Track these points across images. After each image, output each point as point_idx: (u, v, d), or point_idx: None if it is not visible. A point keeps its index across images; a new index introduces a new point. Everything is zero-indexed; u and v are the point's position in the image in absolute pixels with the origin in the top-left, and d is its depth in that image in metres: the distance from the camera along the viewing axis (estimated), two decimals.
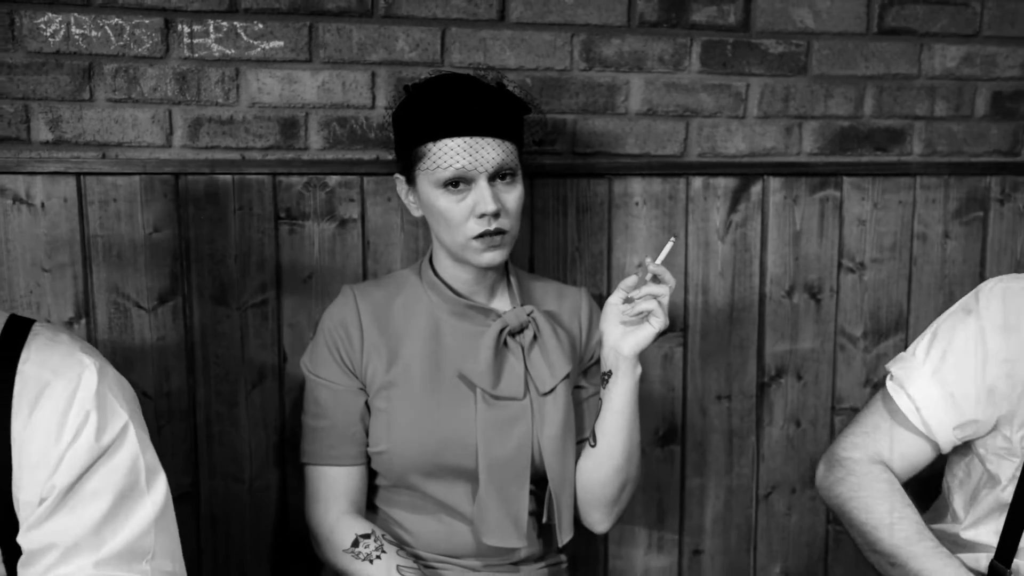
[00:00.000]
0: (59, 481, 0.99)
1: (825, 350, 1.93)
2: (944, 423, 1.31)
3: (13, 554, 1.02)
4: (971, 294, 1.39)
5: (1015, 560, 1.28)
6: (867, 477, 1.32)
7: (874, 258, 1.93)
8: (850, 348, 1.93)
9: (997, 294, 1.34)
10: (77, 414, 1.01)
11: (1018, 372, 1.27)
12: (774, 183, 1.86)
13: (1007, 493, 1.29)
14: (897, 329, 1.93)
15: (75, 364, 1.05)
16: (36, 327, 1.08)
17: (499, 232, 1.34)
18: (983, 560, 1.32)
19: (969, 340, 1.32)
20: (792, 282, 1.90)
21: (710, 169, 1.83)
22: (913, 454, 1.35)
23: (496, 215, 1.33)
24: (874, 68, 1.88)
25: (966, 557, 1.34)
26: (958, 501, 1.40)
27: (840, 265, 1.92)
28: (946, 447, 1.33)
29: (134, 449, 1.04)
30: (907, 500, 1.29)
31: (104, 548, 1.00)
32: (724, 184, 1.84)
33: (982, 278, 1.93)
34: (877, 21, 1.87)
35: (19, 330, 1.06)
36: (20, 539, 1.00)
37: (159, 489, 1.05)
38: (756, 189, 1.85)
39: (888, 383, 1.39)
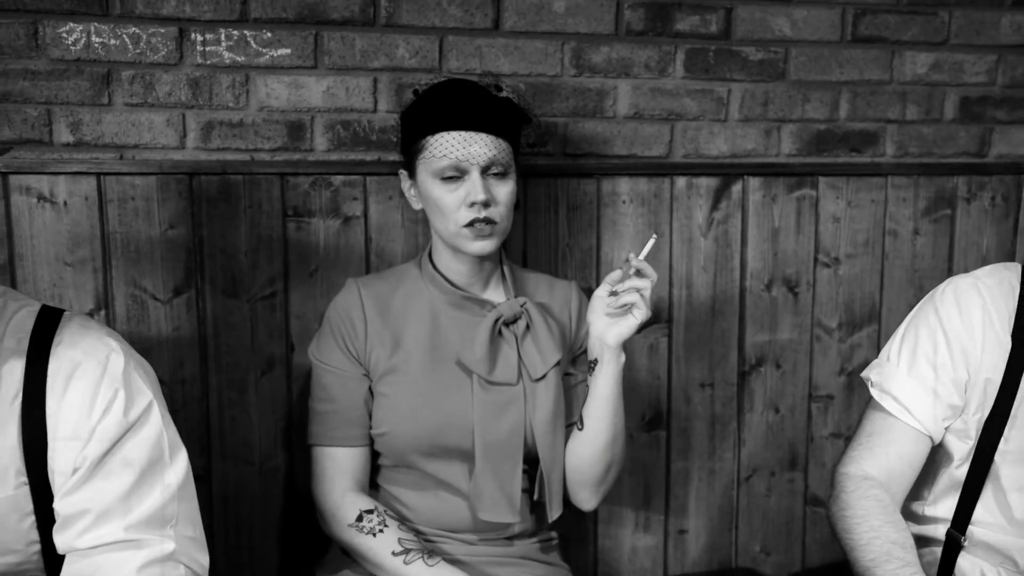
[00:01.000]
0: (91, 452, 1.07)
1: (802, 340, 1.98)
2: (932, 416, 1.35)
3: (48, 521, 1.09)
4: (929, 295, 1.45)
5: (969, 527, 1.36)
6: (854, 495, 1.33)
7: (848, 253, 1.99)
8: (826, 339, 1.99)
9: (950, 292, 1.40)
10: (106, 391, 1.09)
11: (972, 362, 1.34)
12: (754, 183, 1.92)
13: (961, 471, 1.36)
14: (870, 321, 1.99)
15: (103, 347, 1.12)
16: (66, 315, 1.15)
17: (489, 222, 1.41)
18: (941, 530, 1.39)
19: (933, 336, 1.38)
20: (771, 276, 1.95)
21: (693, 169, 1.89)
22: (911, 452, 1.37)
23: (486, 205, 1.40)
24: (848, 74, 1.93)
25: (927, 528, 1.42)
26: (920, 480, 1.47)
27: (816, 260, 1.97)
28: (938, 437, 1.36)
29: (158, 425, 1.12)
30: (888, 518, 1.29)
31: (132, 514, 1.08)
32: (706, 184, 1.90)
33: (950, 273, 2.00)
34: (851, 30, 1.92)
35: (51, 318, 1.14)
36: (56, 505, 1.08)
37: (180, 462, 1.13)
38: (737, 188, 1.91)
39: (872, 391, 1.42)
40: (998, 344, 1.34)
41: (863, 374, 1.46)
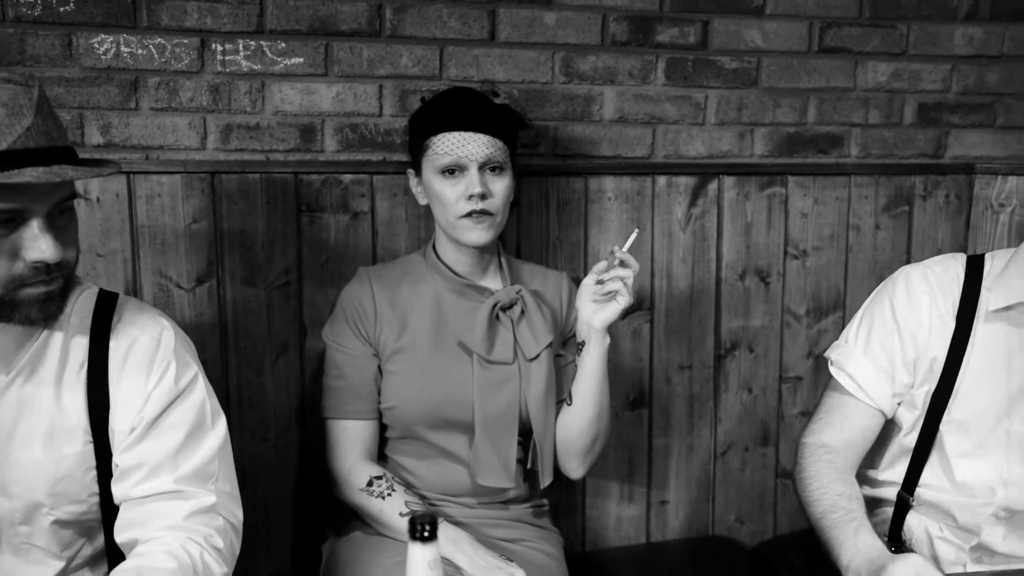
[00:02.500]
0: (146, 414, 1.19)
1: (773, 326, 2.09)
2: (884, 393, 1.45)
3: (107, 476, 1.21)
4: (883, 283, 1.54)
5: (916, 489, 1.47)
6: (810, 459, 1.42)
7: (815, 246, 2.09)
8: (795, 325, 2.09)
9: (902, 281, 1.49)
10: (160, 363, 1.21)
11: (920, 342, 1.44)
12: (728, 181, 2.02)
13: (909, 439, 1.47)
14: (835, 308, 2.10)
15: (157, 326, 1.25)
16: (122, 298, 1.28)
17: (485, 213, 1.52)
18: (892, 492, 1.51)
19: (887, 321, 1.47)
20: (744, 267, 2.06)
21: (673, 169, 1.99)
22: (864, 425, 1.46)
23: (483, 197, 1.52)
24: (816, 82, 2.04)
25: (880, 491, 1.54)
26: (874, 448, 1.57)
27: (786, 253, 2.07)
28: (890, 412, 1.46)
29: (202, 393, 1.25)
30: (838, 476, 1.37)
31: (180, 469, 1.20)
32: (685, 182, 2.00)
33: (908, 263, 2.11)
34: (818, 41, 2.02)
35: (109, 300, 1.26)
36: (116, 459, 1.20)
37: (220, 427, 1.26)
38: (713, 186, 2.01)
39: (831, 368, 1.50)
40: (943, 326, 1.44)
41: (825, 353, 1.55)
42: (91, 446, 1.20)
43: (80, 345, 1.21)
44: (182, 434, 1.21)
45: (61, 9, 1.65)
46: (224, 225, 1.78)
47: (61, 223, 1.13)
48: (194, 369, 1.26)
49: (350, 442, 1.58)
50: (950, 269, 1.48)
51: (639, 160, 1.98)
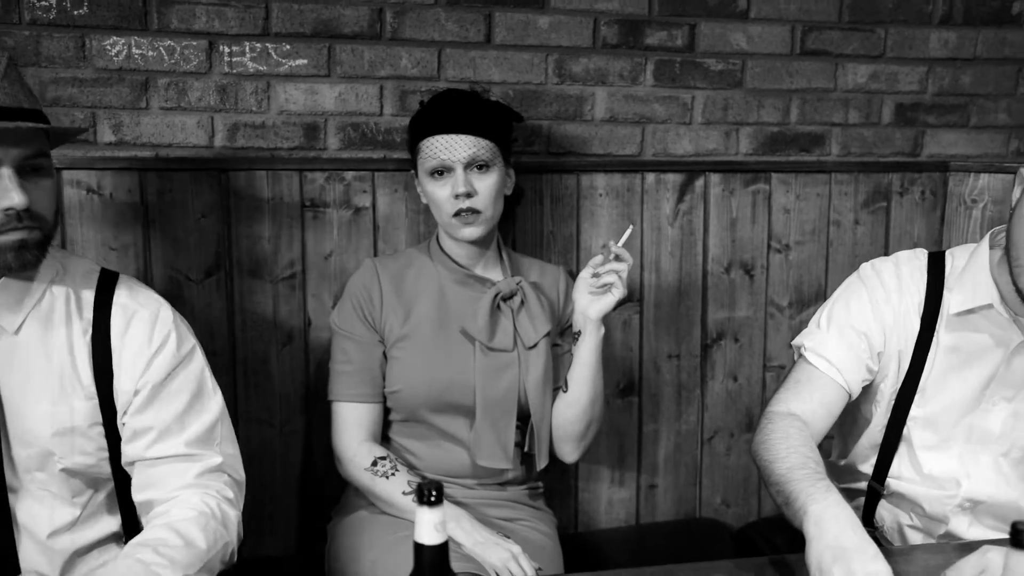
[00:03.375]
0: (151, 378, 1.29)
1: (757, 317, 2.14)
2: (854, 375, 1.46)
3: (113, 434, 1.30)
4: (854, 274, 1.55)
5: (887, 480, 1.51)
6: (780, 423, 1.39)
7: (797, 241, 2.14)
8: (778, 316, 2.15)
9: (873, 273, 1.51)
10: (160, 331, 1.31)
11: (887, 333, 1.47)
12: (714, 178, 2.07)
13: (879, 434, 1.51)
14: (816, 300, 2.15)
15: (154, 300, 1.35)
16: (121, 276, 1.37)
17: (472, 211, 1.59)
18: (864, 483, 1.55)
19: (855, 309, 1.49)
20: (730, 260, 2.11)
21: (661, 166, 2.04)
22: (831, 401, 1.45)
23: (468, 196, 1.58)
24: (798, 83, 2.09)
25: (855, 484, 1.58)
26: (840, 439, 1.63)
27: (769, 246, 2.13)
28: (855, 394, 1.47)
29: (201, 362, 1.36)
30: (806, 442, 1.34)
31: (186, 432, 1.30)
32: (673, 179, 2.05)
33: (886, 255, 2.18)
34: (800, 44, 2.07)
35: (110, 277, 1.35)
36: (128, 421, 1.29)
37: (219, 394, 1.37)
38: (699, 183, 2.07)
39: (805, 353, 1.49)
40: (908, 323, 1.47)
41: (794, 342, 1.54)
42: (95, 402, 1.28)
43: (84, 313, 1.30)
44: (186, 399, 1.32)
45: (75, 12, 1.71)
46: (232, 220, 1.83)
47: (33, 180, 1.20)
48: (192, 340, 1.36)
49: (356, 424, 1.63)
50: (915, 268, 1.50)
51: (629, 158, 2.04)
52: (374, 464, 1.59)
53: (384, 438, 1.70)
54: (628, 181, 2.03)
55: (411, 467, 1.64)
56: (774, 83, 2.09)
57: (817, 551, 1.10)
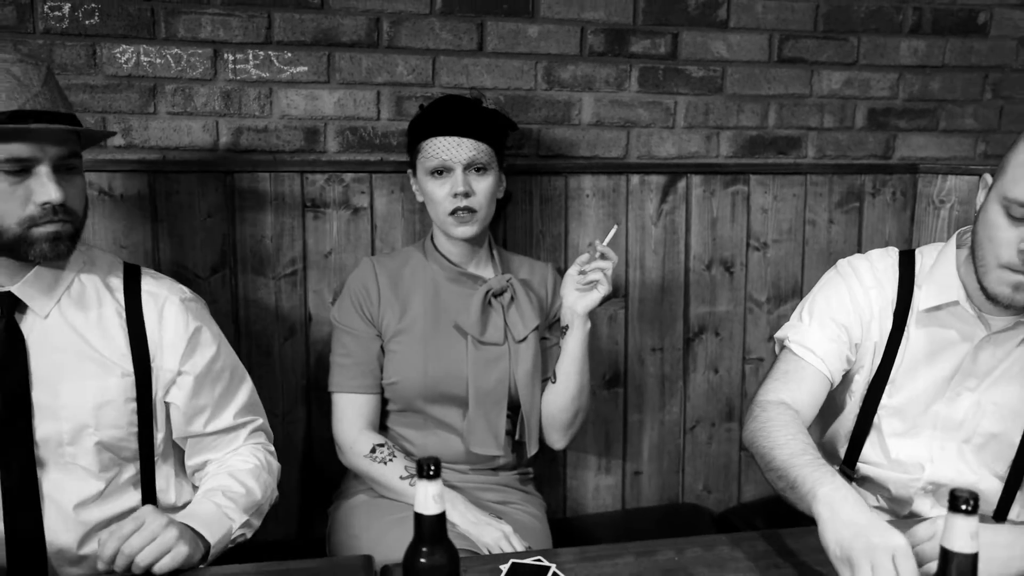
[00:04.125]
0: (199, 362, 1.43)
1: (737, 312, 2.20)
2: (836, 364, 1.50)
3: (146, 411, 1.40)
4: (832, 269, 1.59)
5: (857, 464, 1.58)
6: (774, 411, 1.42)
7: (774, 239, 2.20)
8: (756, 311, 2.22)
9: (851, 269, 1.55)
10: (196, 317, 1.47)
11: (864, 326, 1.52)
12: (696, 179, 2.13)
13: (851, 422, 1.57)
14: (793, 295, 2.22)
15: (179, 290, 1.48)
16: (143, 268, 1.48)
17: (469, 210, 1.66)
18: (835, 468, 1.53)
19: (836, 302, 1.53)
20: (711, 258, 2.17)
21: (645, 169, 2.10)
22: (816, 390, 1.49)
23: (467, 195, 1.65)
24: (775, 89, 2.15)
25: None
26: (815, 426, 1.65)
27: (748, 245, 2.19)
28: (836, 382, 1.52)
29: (227, 342, 1.50)
30: (801, 429, 1.37)
31: (233, 404, 1.48)
32: (656, 180, 2.11)
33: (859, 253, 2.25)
34: (777, 52, 2.13)
35: (134, 269, 1.46)
36: (173, 400, 1.43)
37: (247, 371, 1.52)
38: (682, 184, 2.13)
39: (790, 345, 1.53)
40: (884, 317, 1.52)
41: (777, 335, 1.59)
42: (132, 380, 1.38)
43: (114, 294, 1.41)
44: (228, 376, 1.48)
45: (86, 22, 1.77)
46: (236, 219, 1.89)
47: (67, 178, 1.31)
48: (215, 325, 1.50)
49: (355, 413, 1.71)
50: (888, 266, 1.55)
51: (615, 160, 2.10)
52: (373, 451, 1.67)
53: (382, 427, 1.77)
54: (614, 182, 2.09)
55: (408, 454, 1.71)
56: (753, 89, 2.15)
57: (834, 529, 1.13)
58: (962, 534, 0.92)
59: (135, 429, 1.40)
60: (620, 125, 2.09)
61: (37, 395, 1.32)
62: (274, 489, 1.50)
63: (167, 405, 1.43)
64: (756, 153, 2.19)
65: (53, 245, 1.29)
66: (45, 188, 1.26)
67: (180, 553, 1.18)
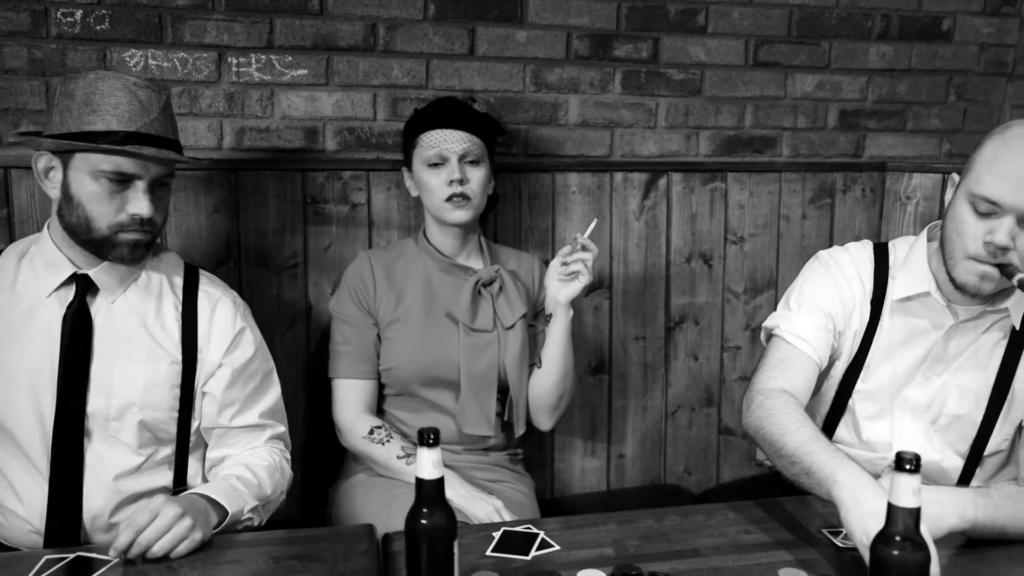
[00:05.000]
0: (238, 358, 1.52)
1: (715, 303, 2.28)
2: (824, 351, 1.54)
3: (187, 398, 1.50)
4: (814, 260, 1.63)
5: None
6: (778, 400, 1.44)
7: (751, 233, 2.27)
8: (734, 301, 2.29)
9: (832, 259, 1.60)
10: (243, 318, 1.56)
11: (846, 314, 1.56)
12: (676, 177, 2.21)
13: (827, 404, 1.61)
14: (768, 286, 2.29)
15: (231, 293, 1.58)
16: (201, 271, 1.59)
17: (464, 196, 1.74)
18: None
19: (828, 291, 1.57)
20: (690, 251, 2.25)
21: (629, 166, 2.17)
22: (810, 376, 1.53)
23: (462, 182, 1.74)
24: (751, 91, 2.23)
25: None
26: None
27: (726, 239, 2.26)
28: (823, 367, 1.55)
29: (265, 346, 1.58)
30: (807, 417, 1.41)
31: (260, 404, 1.56)
32: (639, 178, 2.18)
33: (831, 248, 2.32)
34: (753, 56, 2.21)
35: (194, 270, 1.57)
36: (210, 391, 1.52)
37: (278, 382, 1.60)
38: (663, 182, 2.20)
39: (781, 334, 1.55)
40: (863, 308, 1.57)
41: (766, 324, 1.61)
42: (179, 367, 1.48)
43: (174, 289, 1.52)
44: (260, 378, 1.57)
45: (97, 28, 1.85)
46: (240, 215, 1.97)
47: (158, 193, 1.45)
48: (258, 330, 1.59)
49: (354, 398, 1.79)
50: (865, 258, 1.60)
51: (599, 159, 2.17)
52: (371, 432, 1.75)
53: (379, 411, 1.84)
54: (598, 180, 2.17)
55: (404, 435, 1.79)
56: (730, 91, 2.22)
57: (859, 517, 1.18)
58: (907, 491, 1.02)
59: (175, 414, 1.49)
60: (604, 125, 2.16)
61: (94, 371, 1.42)
62: (284, 491, 1.56)
63: (204, 395, 1.52)
64: (733, 152, 2.26)
65: (132, 251, 1.42)
66: (139, 202, 1.40)
67: (195, 539, 1.26)
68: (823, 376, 1.64)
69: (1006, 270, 1.38)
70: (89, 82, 1.40)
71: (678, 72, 2.19)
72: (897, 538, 1.03)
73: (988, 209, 1.38)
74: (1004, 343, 1.52)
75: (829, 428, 1.65)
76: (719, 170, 2.25)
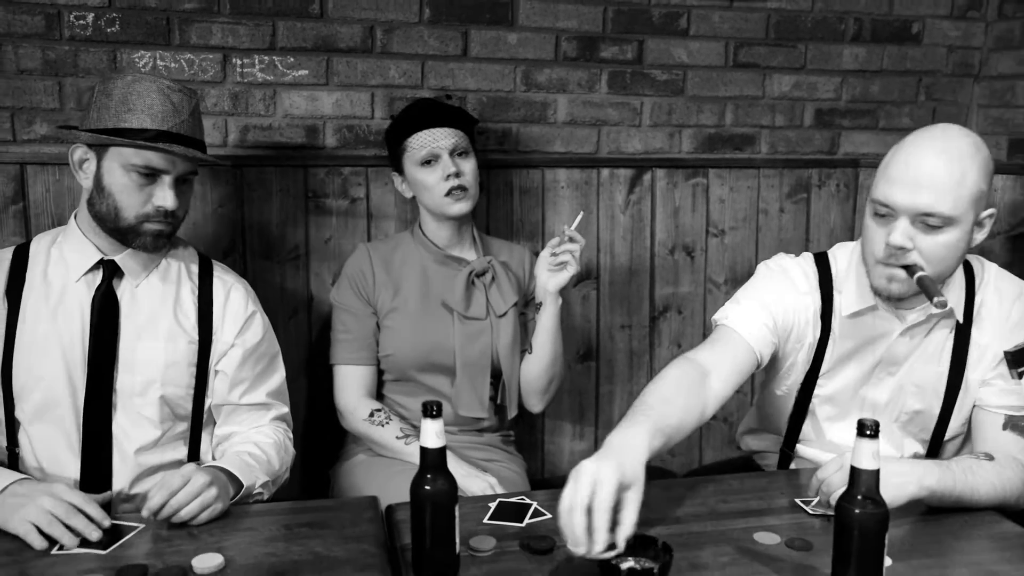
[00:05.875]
0: (249, 339, 1.61)
1: (698, 293, 2.36)
2: (765, 346, 1.55)
3: (202, 375, 1.58)
4: (765, 268, 1.64)
5: (796, 445, 1.70)
6: (670, 370, 1.46)
7: (731, 227, 2.35)
8: (715, 291, 2.37)
9: (780, 265, 1.62)
10: (253, 304, 1.64)
11: (791, 319, 1.58)
12: (660, 173, 2.28)
13: (788, 408, 1.65)
14: (748, 277, 2.19)
15: (243, 281, 1.67)
16: (213, 261, 1.67)
17: (462, 188, 1.82)
18: (777, 447, 1.73)
19: (769, 290, 1.60)
20: (674, 244, 2.32)
21: (615, 163, 2.24)
22: (742, 361, 1.52)
23: (458, 175, 1.81)
24: (731, 91, 2.30)
25: (770, 447, 1.77)
26: (760, 413, 1.82)
27: (707, 232, 2.34)
28: (762, 359, 1.55)
29: (274, 336, 1.67)
30: (676, 384, 1.41)
31: (267, 384, 1.64)
32: (624, 173, 2.26)
33: (808, 240, 2.39)
34: (733, 58, 2.28)
35: (207, 259, 1.66)
36: (223, 369, 1.60)
37: (283, 365, 1.68)
38: (647, 177, 2.28)
39: (724, 321, 1.57)
40: (815, 322, 1.58)
41: (715, 317, 1.62)
42: (195, 347, 1.57)
43: (191, 276, 1.61)
44: (267, 360, 1.65)
45: (108, 30, 1.91)
46: (245, 209, 2.04)
47: (182, 189, 1.54)
48: (267, 316, 1.68)
49: (355, 383, 1.86)
50: (812, 273, 1.62)
51: (587, 155, 2.24)
52: (371, 415, 1.83)
53: (378, 395, 1.92)
54: (586, 175, 2.24)
55: (402, 418, 1.87)
56: (711, 91, 2.30)
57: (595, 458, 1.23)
58: (867, 454, 1.11)
59: (192, 391, 1.58)
60: (591, 123, 2.24)
61: (121, 349, 1.52)
62: (288, 468, 1.63)
63: (216, 373, 1.60)
64: (714, 149, 2.33)
65: (155, 240, 1.52)
66: (165, 195, 1.50)
67: (216, 509, 1.34)
68: (783, 384, 1.67)
69: (910, 270, 1.42)
70: (127, 83, 1.50)
71: (661, 73, 2.26)
72: (859, 497, 1.12)
73: (885, 212, 1.43)
74: (952, 337, 1.56)
75: (794, 430, 1.70)
76: (701, 166, 2.32)
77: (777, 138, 2.39)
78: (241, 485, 1.44)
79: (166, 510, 1.29)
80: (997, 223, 2.32)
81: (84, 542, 1.25)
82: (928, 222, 1.40)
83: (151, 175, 1.49)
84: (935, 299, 1.37)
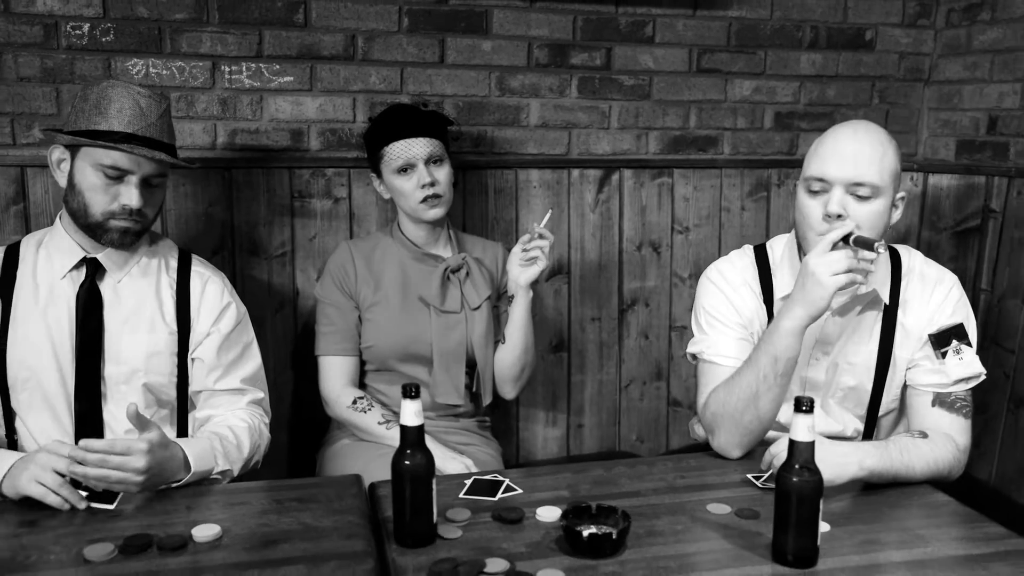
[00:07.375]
0: (223, 328, 1.68)
1: (664, 287, 2.45)
2: (741, 355, 1.64)
3: (183, 364, 1.67)
4: (703, 279, 1.74)
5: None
6: (714, 396, 1.61)
7: (695, 224, 2.45)
8: (680, 285, 2.47)
9: (718, 274, 1.73)
10: (228, 294, 1.72)
11: (746, 316, 1.69)
12: (628, 173, 2.38)
13: None
14: None
15: (219, 274, 1.75)
16: (193, 255, 1.76)
17: (436, 196, 1.91)
18: None
19: (725, 304, 1.70)
20: (641, 240, 2.42)
21: (585, 164, 2.33)
22: None
23: (432, 184, 1.90)
24: (695, 95, 2.39)
25: None
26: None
27: (673, 228, 2.43)
28: None
29: (248, 321, 1.74)
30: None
31: (241, 370, 1.72)
32: (594, 174, 2.35)
33: (767, 236, 2.38)
34: (696, 64, 2.38)
35: (187, 254, 1.75)
36: (199, 356, 1.67)
37: (259, 353, 1.75)
38: (615, 177, 2.37)
39: (706, 357, 1.67)
40: (759, 308, 1.70)
41: (689, 350, 1.73)
42: (175, 338, 1.66)
43: (170, 271, 1.70)
44: (242, 347, 1.73)
45: (103, 39, 2.00)
46: (234, 208, 2.13)
47: (149, 191, 1.62)
48: (243, 306, 1.76)
49: (338, 373, 1.97)
50: (747, 264, 1.74)
51: (558, 156, 2.33)
52: (354, 403, 1.93)
53: (361, 384, 2.02)
54: (557, 176, 2.33)
55: (384, 405, 1.97)
56: (676, 95, 2.39)
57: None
58: (802, 428, 1.23)
59: (175, 379, 1.68)
60: (562, 126, 2.33)
61: (106, 341, 1.61)
62: (262, 452, 1.69)
63: (194, 361, 1.70)
64: (679, 150, 2.43)
65: (121, 237, 1.60)
66: (130, 195, 1.58)
67: (129, 491, 1.39)
68: None
69: (845, 239, 1.51)
70: (102, 89, 1.60)
71: (629, 78, 2.35)
72: (796, 467, 1.24)
73: (820, 187, 1.58)
74: (880, 318, 1.68)
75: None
76: (666, 167, 2.41)
77: (739, 140, 2.48)
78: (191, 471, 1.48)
79: (92, 473, 1.35)
80: (944, 219, 2.47)
81: (91, 495, 1.38)
82: (858, 192, 1.55)
83: (118, 176, 1.57)
84: (875, 245, 1.47)
